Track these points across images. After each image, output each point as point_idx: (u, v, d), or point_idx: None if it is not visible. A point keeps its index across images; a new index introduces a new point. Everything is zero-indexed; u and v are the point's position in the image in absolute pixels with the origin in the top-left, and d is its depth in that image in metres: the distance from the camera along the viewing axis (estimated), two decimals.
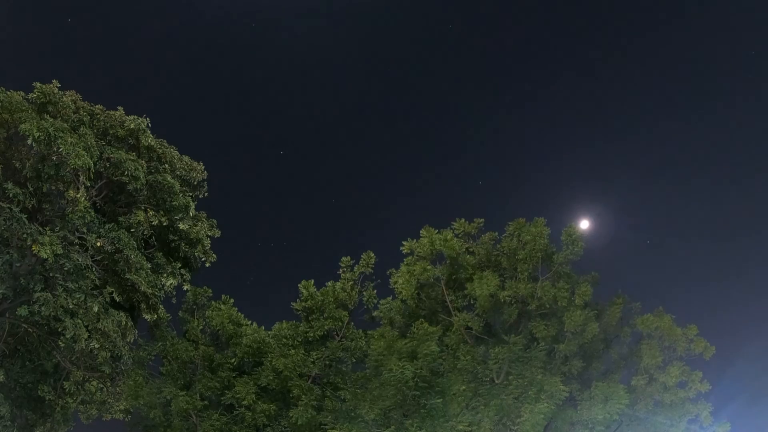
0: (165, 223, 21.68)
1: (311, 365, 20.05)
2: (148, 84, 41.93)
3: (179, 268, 22.52)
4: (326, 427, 18.63)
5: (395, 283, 21.39)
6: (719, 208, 39.40)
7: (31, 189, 19.29)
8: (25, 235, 17.72)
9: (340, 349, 20.74)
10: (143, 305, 21.46)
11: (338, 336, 21.36)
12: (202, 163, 23.51)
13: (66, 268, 18.44)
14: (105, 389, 22.96)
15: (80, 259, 18.58)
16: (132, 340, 21.24)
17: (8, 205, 17.91)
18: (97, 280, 19.51)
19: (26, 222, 17.95)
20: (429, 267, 20.77)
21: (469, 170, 45.01)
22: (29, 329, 20.27)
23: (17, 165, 20.08)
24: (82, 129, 19.89)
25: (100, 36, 40.35)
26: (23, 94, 20.22)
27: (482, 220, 22.00)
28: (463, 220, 21.95)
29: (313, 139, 46.11)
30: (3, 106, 19.22)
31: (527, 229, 20.48)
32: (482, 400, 17.91)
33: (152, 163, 21.91)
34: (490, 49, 42.66)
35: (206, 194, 23.91)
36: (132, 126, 21.73)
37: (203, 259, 23.77)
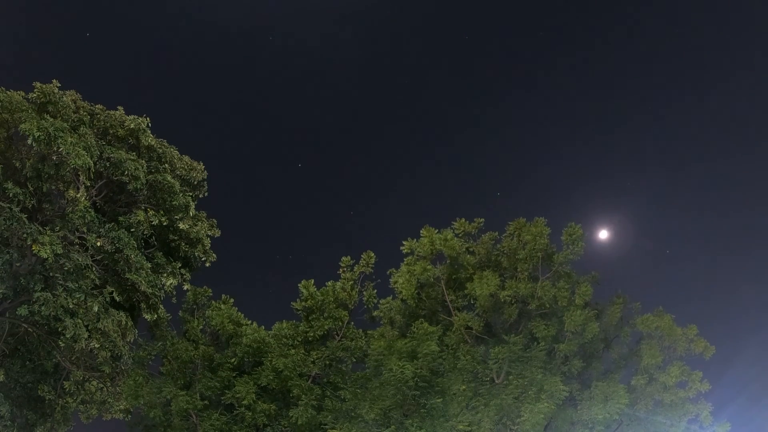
0: (165, 223, 21.68)
1: (311, 365, 20.04)
2: (148, 84, 41.99)
3: (179, 268, 22.54)
4: (326, 426, 18.62)
5: (395, 282, 21.37)
6: (722, 213, 39.47)
7: (31, 189, 19.30)
8: (25, 235, 17.71)
9: (340, 348, 20.73)
10: (143, 305, 21.48)
11: (338, 336, 21.34)
12: (202, 163, 23.54)
13: (66, 268, 18.45)
14: (105, 389, 22.99)
15: (80, 259, 18.58)
16: (132, 340, 21.26)
17: (8, 205, 17.91)
18: (97, 280, 19.52)
19: (26, 222, 17.95)
20: (429, 267, 20.75)
21: (471, 170, 45.08)
22: (29, 329, 20.29)
23: (17, 165, 20.09)
24: (82, 129, 19.89)
25: (101, 36, 40.39)
26: (23, 93, 20.22)
27: (482, 220, 22.00)
28: (463, 219, 21.94)
29: (313, 140, 46.20)
30: (3, 105, 19.22)
31: (527, 228, 20.46)
32: (482, 400, 17.89)
33: (152, 163, 21.92)
34: (494, 49, 42.70)
35: (206, 194, 23.95)
36: (132, 126, 21.74)
37: (203, 259, 23.78)
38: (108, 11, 39.30)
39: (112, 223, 20.04)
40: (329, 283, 22.00)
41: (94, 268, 19.27)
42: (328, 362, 20.57)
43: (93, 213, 19.33)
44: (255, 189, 46.06)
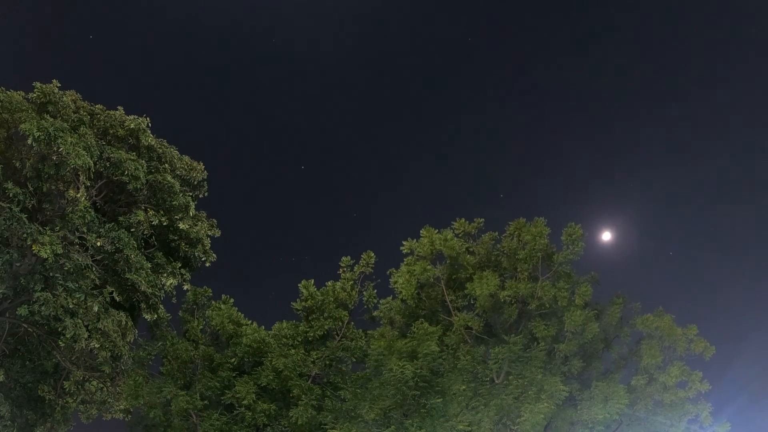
0: (165, 223, 21.67)
1: (311, 365, 20.04)
2: (148, 84, 42.00)
3: (179, 268, 22.51)
4: (326, 426, 18.63)
5: (395, 283, 21.38)
6: (723, 214, 39.47)
7: (31, 189, 19.29)
8: (25, 235, 17.71)
9: (340, 348, 20.73)
10: (143, 305, 21.47)
11: (338, 336, 21.35)
12: (202, 163, 23.53)
13: (66, 268, 18.44)
14: (105, 389, 22.98)
15: (80, 259, 18.58)
16: (132, 340, 21.24)
17: (8, 205, 17.90)
18: (97, 280, 19.51)
19: (26, 222, 17.94)
20: (429, 267, 20.76)
21: (472, 171, 45.08)
22: (29, 329, 20.29)
23: (17, 165, 20.07)
24: (82, 129, 19.88)
25: (101, 36, 40.42)
26: (23, 94, 20.21)
27: (482, 220, 22.02)
28: (463, 220, 21.95)
29: (313, 140, 46.21)
30: (3, 106, 19.21)
31: (527, 229, 20.48)
32: (482, 400, 17.90)
33: (152, 163, 21.90)
34: (495, 50, 42.70)
35: (206, 194, 23.94)
36: (132, 126, 21.73)
37: (203, 259, 23.76)
38: (108, 11, 39.33)
39: (112, 223, 20.02)
40: (329, 283, 22.01)
41: (94, 268, 19.26)
42: (328, 362, 20.57)
43: (93, 213, 19.31)
44: (255, 189, 46.12)
